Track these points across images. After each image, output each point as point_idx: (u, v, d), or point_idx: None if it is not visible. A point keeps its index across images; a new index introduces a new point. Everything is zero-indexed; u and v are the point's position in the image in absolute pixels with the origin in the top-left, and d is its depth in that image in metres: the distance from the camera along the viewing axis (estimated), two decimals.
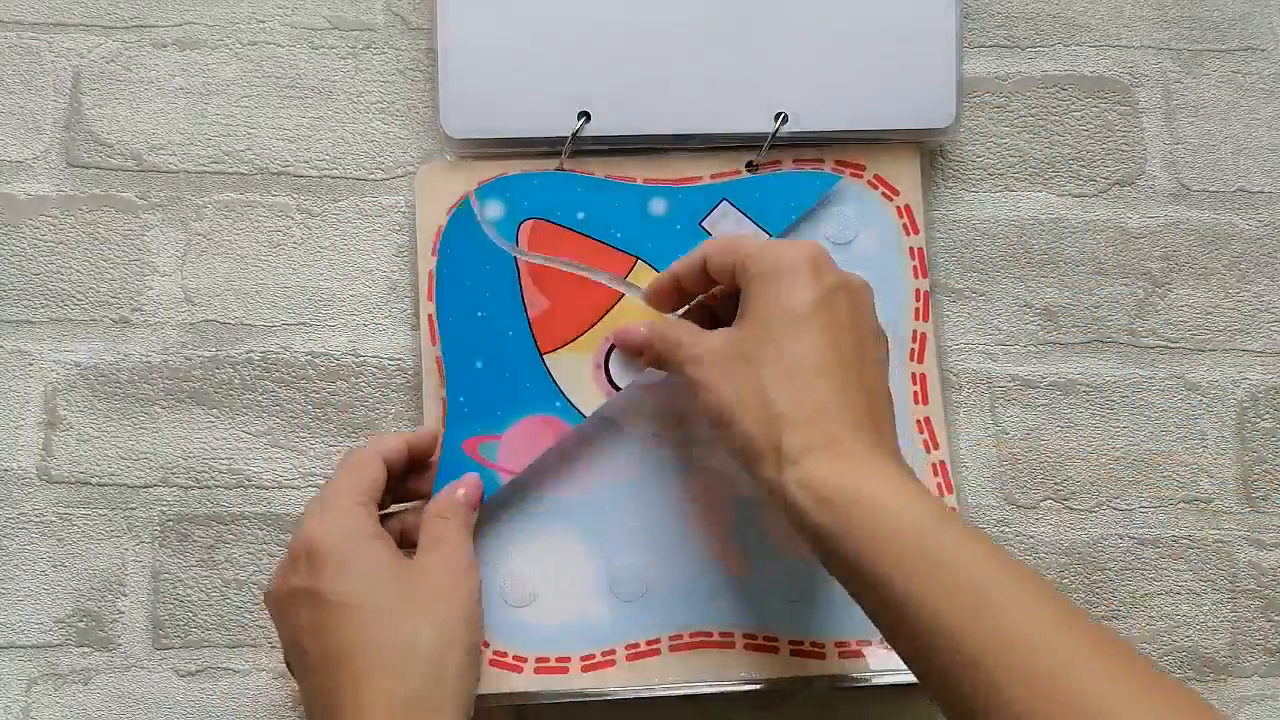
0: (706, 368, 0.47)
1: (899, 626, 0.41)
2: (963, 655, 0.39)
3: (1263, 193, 0.61)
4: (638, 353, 0.53)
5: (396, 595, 0.47)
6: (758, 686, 0.55)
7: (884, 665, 0.54)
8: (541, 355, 0.55)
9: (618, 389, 0.55)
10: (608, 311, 0.56)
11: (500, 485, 0.54)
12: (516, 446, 0.54)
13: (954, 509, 0.45)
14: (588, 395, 0.55)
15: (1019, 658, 0.38)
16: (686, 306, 0.54)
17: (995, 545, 0.42)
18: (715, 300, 0.53)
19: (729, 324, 0.49)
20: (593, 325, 0.55)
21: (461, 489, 0.52)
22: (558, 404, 0.55)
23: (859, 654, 0.54)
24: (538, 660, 0.54)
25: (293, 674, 0.49)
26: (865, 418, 0.45)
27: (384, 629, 0.46)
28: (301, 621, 0.47)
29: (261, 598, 0.56)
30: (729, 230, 0.57)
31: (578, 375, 0.55)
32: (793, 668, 0.54)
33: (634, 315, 0.55)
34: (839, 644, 0.55)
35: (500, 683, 0.54)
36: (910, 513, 0.42)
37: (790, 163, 0.58)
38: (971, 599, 0.40)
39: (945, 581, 0.40)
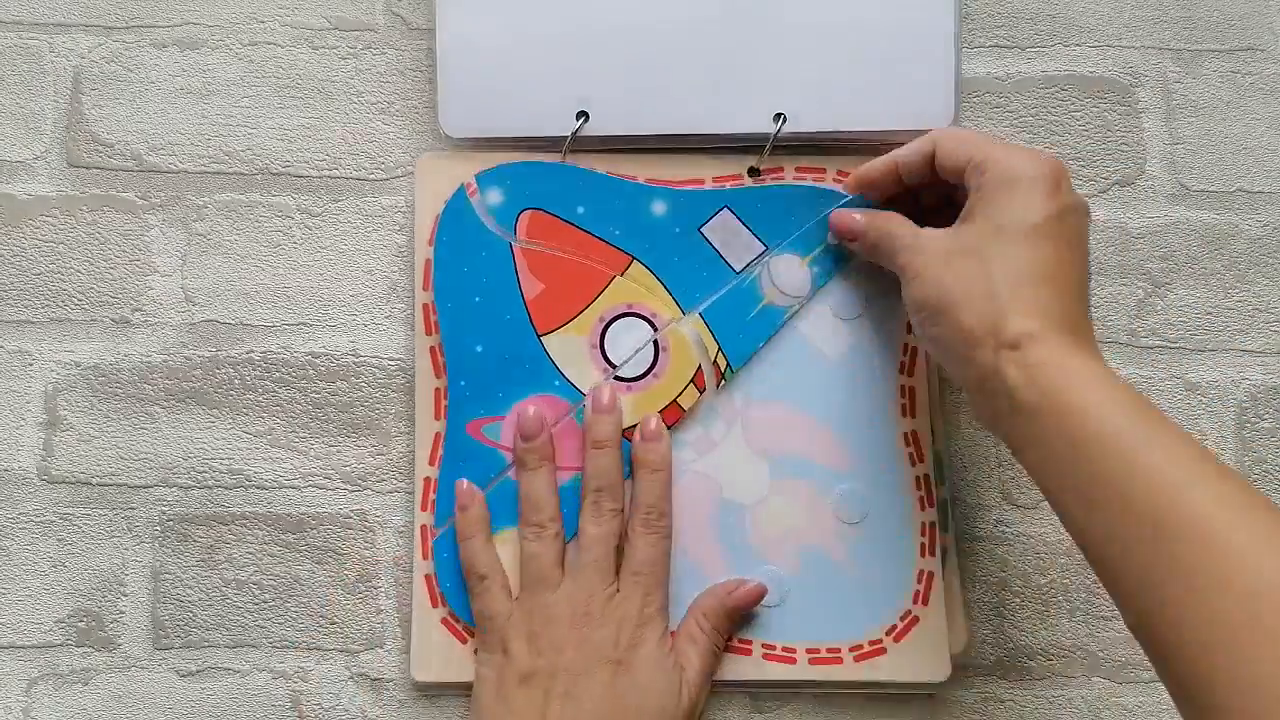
0: (928, 257, 0.49)
1: (1109, 486, 0.42)
2: (1174, 514, 0.41)
3: (1263, 193, 0.61)
4: (852, 238, 0.54)
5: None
6: (754, 691, 0.55)
7: (856, 675, 0.54)
8: (539, 336, 0.56)
9: (614, 367, 0.56)
10: (601, 292, 0.57)
11: (506, 465, 0.55)
12: None
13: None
14: (585, 374, 0.56)
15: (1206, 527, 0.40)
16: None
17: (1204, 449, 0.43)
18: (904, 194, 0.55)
19: (921, 221, 0.51)
20: (587, 306, 0.57)
21: (739, 592, 0.55)
22: (556, 383, 0.56)
23: (830, 660, 0.54)
24: None
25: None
26: (1083, 326, 0.47)
27: None
28: None
29: (260, 596, 0.56)
30: (727, 238, 0.57)
31: (574, 355, 0.56)
32: (764, 671, 0.55)
33: (626, 295, 0.56)
34: (810, 650, 0.55)
35: None
36: (1126, 391, 0.44)
37: (792, 170, 0.58)
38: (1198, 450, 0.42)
39: (1165, 442, 0.42)
